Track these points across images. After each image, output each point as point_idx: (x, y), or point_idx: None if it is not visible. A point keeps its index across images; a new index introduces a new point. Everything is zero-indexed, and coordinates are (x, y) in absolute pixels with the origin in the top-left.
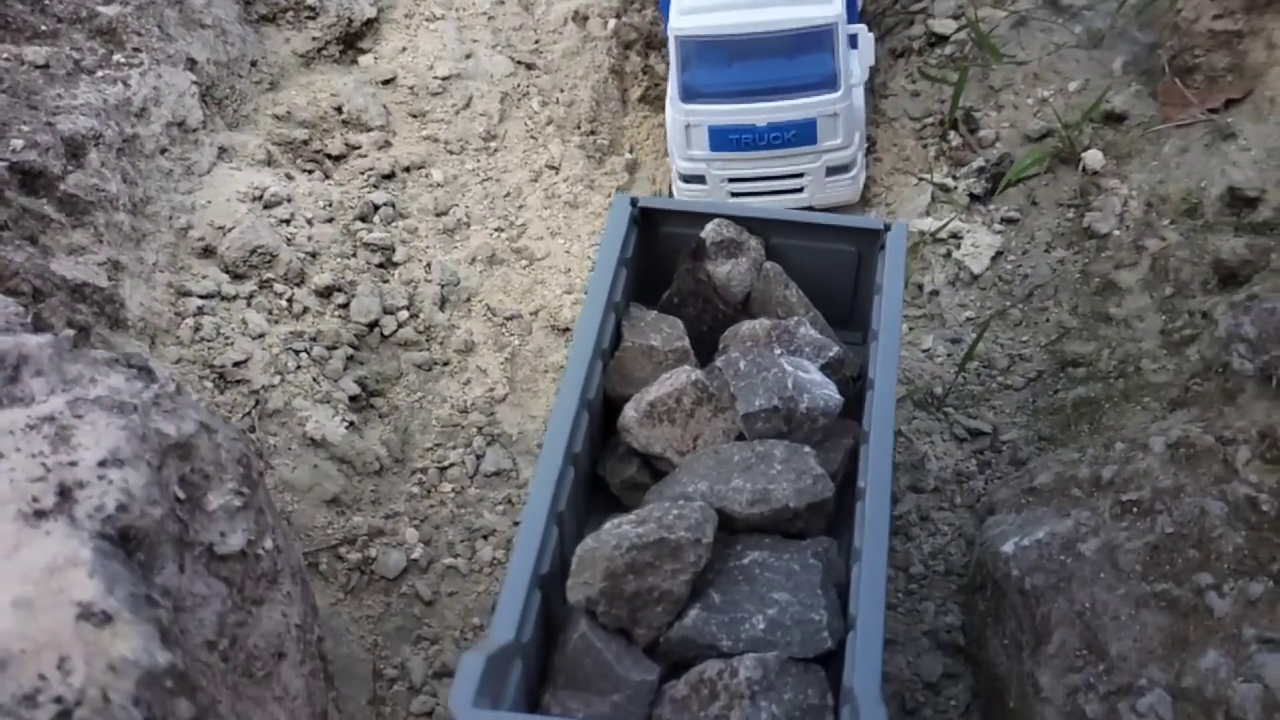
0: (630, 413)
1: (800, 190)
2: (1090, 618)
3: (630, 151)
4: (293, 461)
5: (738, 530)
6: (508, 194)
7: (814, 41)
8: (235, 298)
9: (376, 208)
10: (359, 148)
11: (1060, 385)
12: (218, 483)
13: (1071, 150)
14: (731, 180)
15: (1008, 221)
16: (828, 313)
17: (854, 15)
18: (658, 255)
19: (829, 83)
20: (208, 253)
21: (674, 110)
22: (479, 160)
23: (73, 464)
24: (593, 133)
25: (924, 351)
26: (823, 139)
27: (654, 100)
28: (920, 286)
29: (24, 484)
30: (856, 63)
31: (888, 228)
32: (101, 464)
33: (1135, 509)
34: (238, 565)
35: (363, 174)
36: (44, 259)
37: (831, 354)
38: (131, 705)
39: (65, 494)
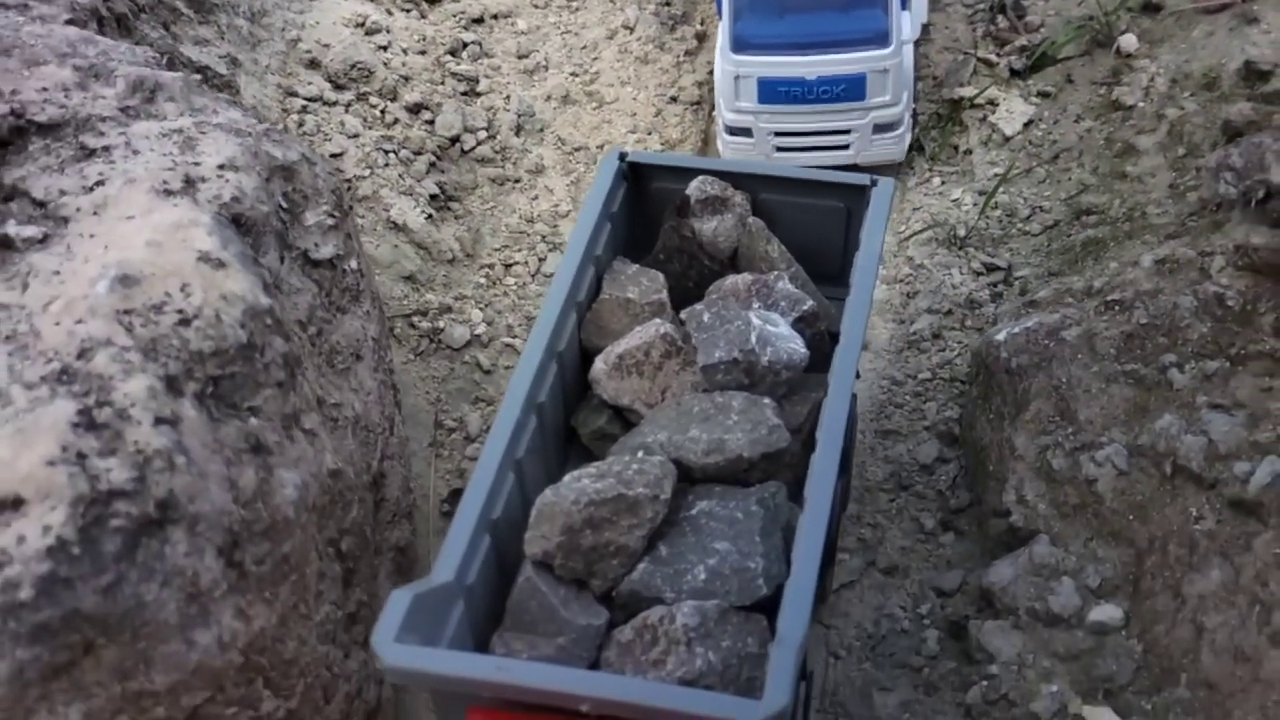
0: (600, 365)
1: (846, 147)
2: (1065, 390)
3: (701, 24)
4: (377, 240)
5: (695, 481)
6: (584, 46)
7: None
8: (335, 104)
9: (465, 45)
10: None
11: (1073, 231)
12: (314, 203)
13: (1109, 35)
14: (778, 134)
15: (1043, 95)
16: (818, 269)
17: None
18: (649, 210)
19: (880, 39)
20: (313, 64)
21: (723, 60)
22: (560, 16)
23: (196, 164)
24: (668, 3)
25: (952, 201)
26: (871, 95)
27: None
28: (956, 147)
29: (157, 171)
30: (909, 20)
31: (874, 183)
32: (220, 167)
33: (1117, 306)
34: (327, 272)
35: (454, 16)
36: (174, 42)
37: (805, 308)
38: (238, 327)
39: (190, 183)
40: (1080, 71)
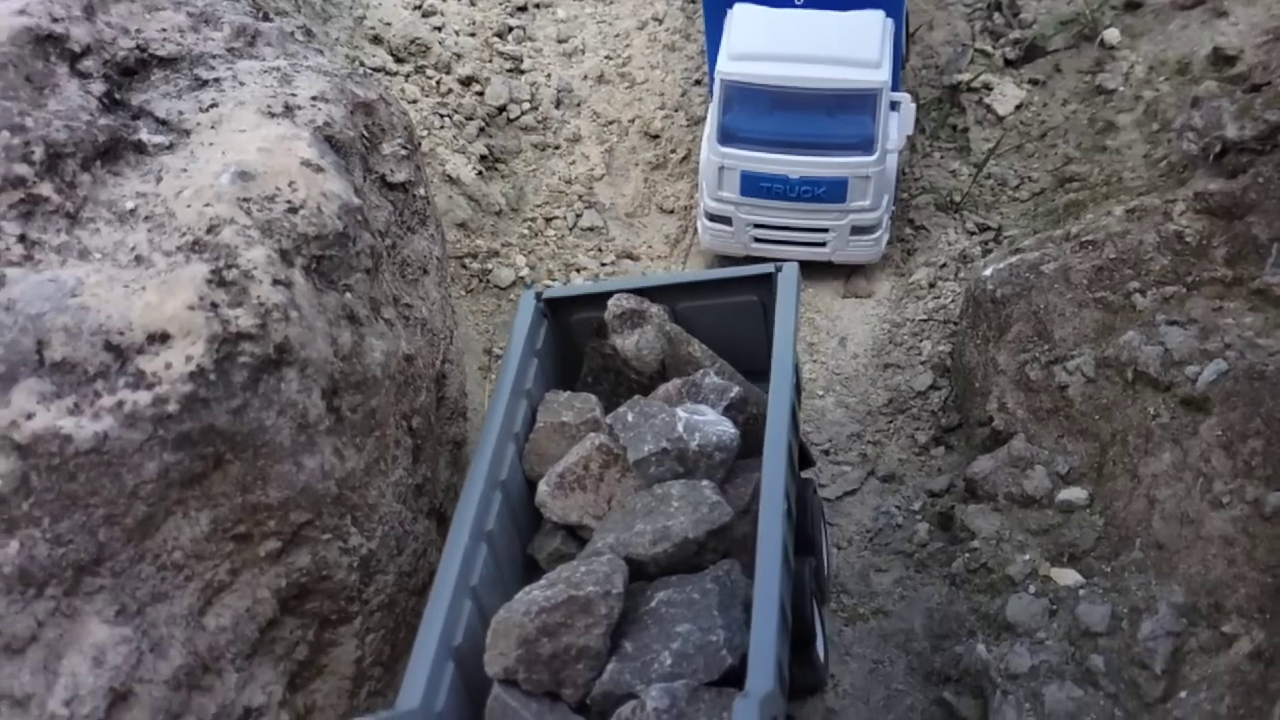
0: (543, 487)
1: (823, 245)
2: (1042, 314)
3: None
4: (434, 191)
5: (653, 576)
6: (618, 34)
7: (857, 103)
8: (396, 74)
9: (511, 29)
10: None
11: (1057, 196)
12: (390, 136)
13: (1094, 29)
14: (757, 226)
15: (1033, 82)
16: (749, 366)
17: (897, 83)
18: (575, 342)
19: (865, 145)
20: (377, 40)
21: (709, 150)
22: (596, 7)
23: (293, 95)
24: (693, 1)
25: (950, 171)
26: (852, 199)
27: None
28: (954, 126)
29: (262, 98)
30: (895, 128)
31: (779, 269)
32: (313, 98)
33: (1090, 245)
34: (400, 194)
35: (500, 4)
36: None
37: (732, 395)
38: (335, 218)
39: (288, 108)
40: (1068, 62)
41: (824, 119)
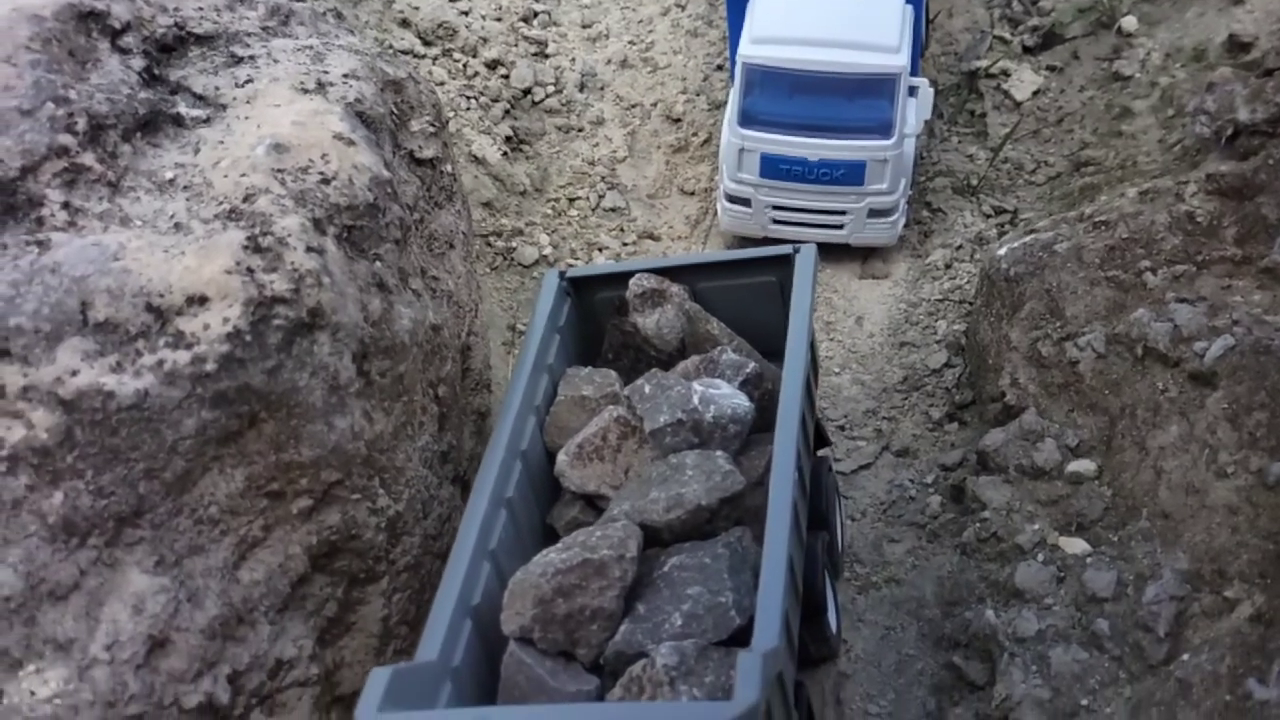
0: (562, 457)
1: (841, 228)
2: (1055, 292)
3: None
4: (460, 171)
5: (667, 543)
6: (641, 20)
7: (876, 88)
8: (424, 56)
9: (536, 14)
10: None
11: (1073, 180)
12: (418, 114)
13: (1112, 17)
14: (775, 208)
15: (1051, 68)
16: (767, 346)
17: (916, 68)
18: (596, 320)
19: (884, 129)
20: (405, 23)
21: (730, 132)
22: None
23: (326, 72)
24: None
25: (967, 156)
26: (869, 182)
27: None
28: (972, 112)
29: (295, 75)
30: (914, 113)
31: (797, 250)
32: (345, 75)
33: (1103, 225)
34: (428, 171)
35: None
36: None
37: (748, 370)
38: (366, 190)
39: (321, 85)
40: (1086, 49)
41: (843, 103)
